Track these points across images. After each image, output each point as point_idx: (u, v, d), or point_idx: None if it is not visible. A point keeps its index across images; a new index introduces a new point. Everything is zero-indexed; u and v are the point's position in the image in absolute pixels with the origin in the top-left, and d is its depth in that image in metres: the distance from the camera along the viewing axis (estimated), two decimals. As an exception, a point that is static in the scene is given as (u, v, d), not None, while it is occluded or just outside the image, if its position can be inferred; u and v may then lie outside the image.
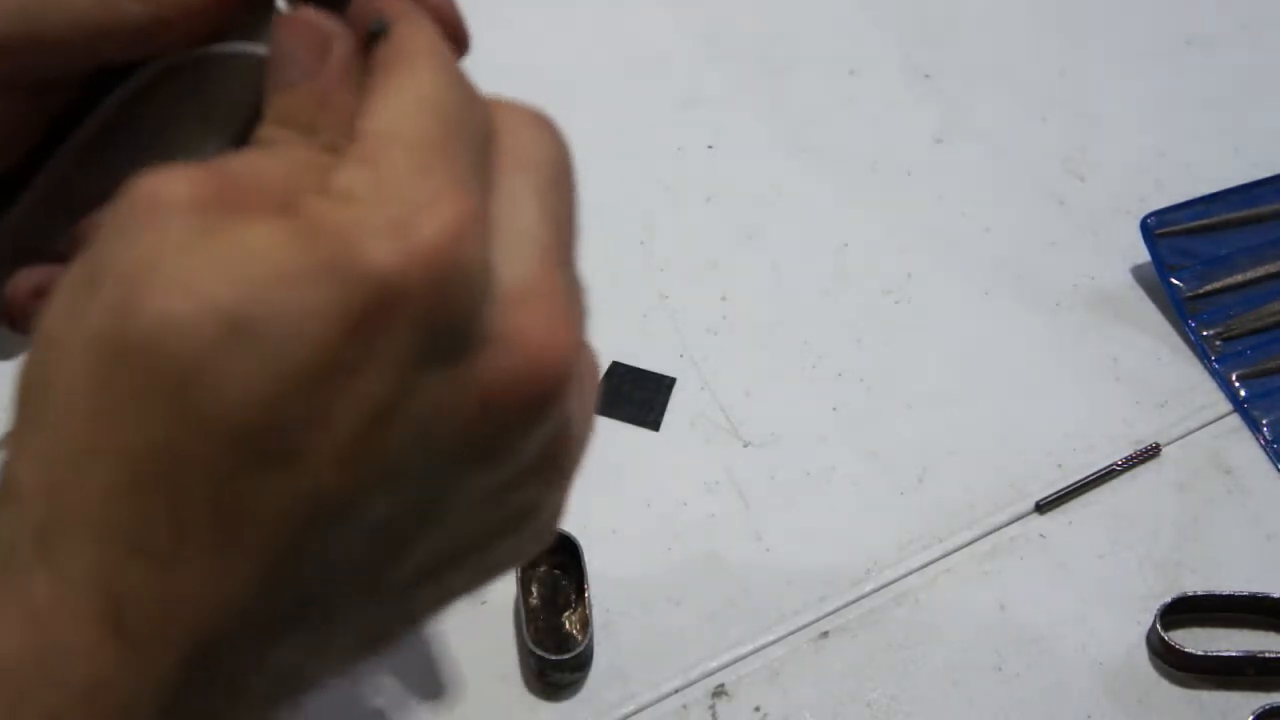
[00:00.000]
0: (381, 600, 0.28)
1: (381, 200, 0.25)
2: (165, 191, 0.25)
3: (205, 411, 0.24)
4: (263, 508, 0.24)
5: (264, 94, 0.29)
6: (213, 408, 0.24)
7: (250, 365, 0.24)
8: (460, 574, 0.29)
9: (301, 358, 0.24)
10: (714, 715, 0.50)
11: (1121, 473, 0.57)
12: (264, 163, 0.27)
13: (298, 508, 0.25)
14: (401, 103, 0.27)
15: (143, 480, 0.24)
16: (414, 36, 0.29)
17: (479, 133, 0.29)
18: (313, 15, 0.29)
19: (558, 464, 0.28)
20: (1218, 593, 0.52)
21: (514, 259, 0.27)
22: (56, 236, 0.35)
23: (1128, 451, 0.58)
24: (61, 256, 0.32)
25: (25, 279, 0.34)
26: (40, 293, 0.34)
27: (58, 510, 0.24)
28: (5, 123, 0.33)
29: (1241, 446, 0.58)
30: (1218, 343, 0.61)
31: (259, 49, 0.33)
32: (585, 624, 0.50)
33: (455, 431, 0.26)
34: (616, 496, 0.56)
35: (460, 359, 0.25)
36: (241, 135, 0.34)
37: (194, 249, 0.24)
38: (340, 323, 0.24)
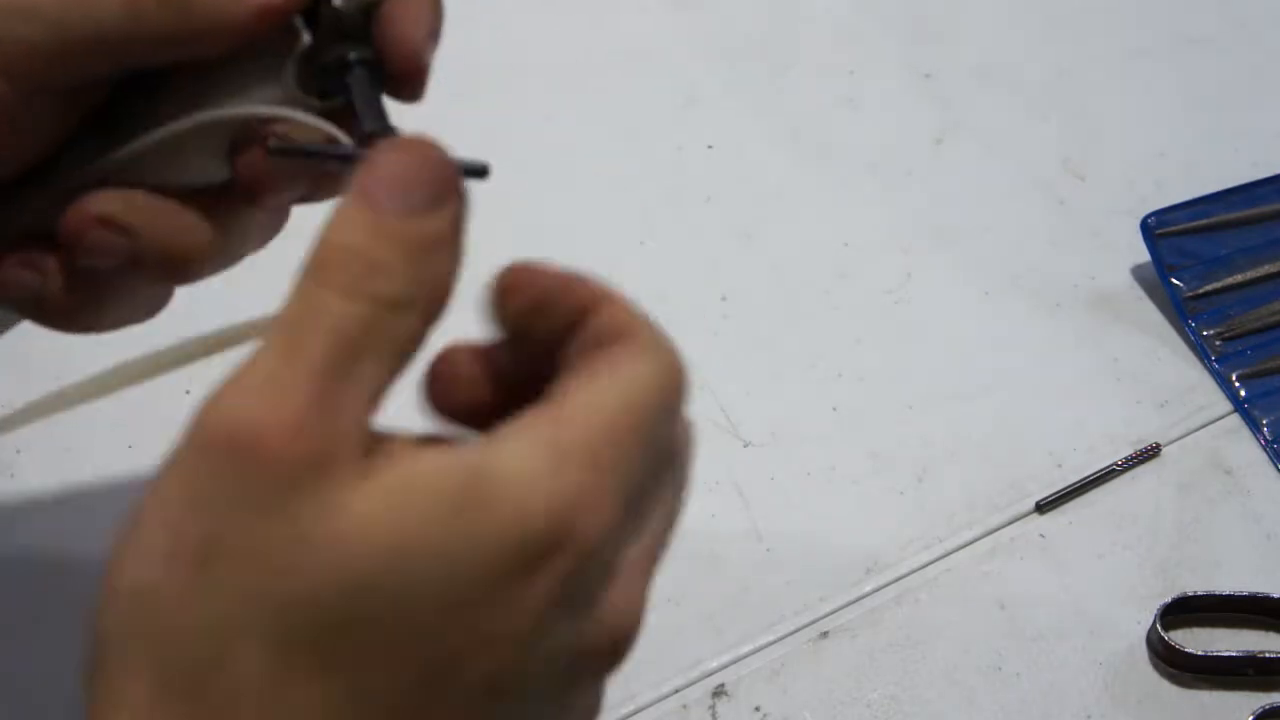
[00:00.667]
0: None
1: (550, 471, 0.26)
2: (272, 447, 0.25)
3: (376, 688, 0.25)
4: None
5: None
6: (384, 685, 0.25)
7: (409, 638, 0.25)
8: None
9: (441, 627, 0.25)
10: (714, 715, 0.50)
11: (1121, 473, 0.57)
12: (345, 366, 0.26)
13: None
14: (607, 389, 0.28)
15: None
16: (649, 330, 0.30)
17: (664, 450, 0.30)
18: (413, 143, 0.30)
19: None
20: (1218, 593, 0.52)
21: (639, 550, 0.30)
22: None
23: (1128, 451, 0.58)
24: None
25: (92, 204, 0.34)
26: (106, 221, 0.34)
27: None
28: (38, 122, 0.34)
29: (1242, 447, 0.58)
30: (1218, 343, 0.61)
31: (322, 125, 0.35)
32: (585, 624, 0.50)
33: (566, 680, 0.28)
34: (616, 496, 0.56)
35: (576, 622, 0.28)
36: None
37: (339, 526, 0.25)
38: (488, 589, 0.25)
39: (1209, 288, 0.63)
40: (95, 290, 0.36)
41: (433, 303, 0.28)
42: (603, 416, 0.27)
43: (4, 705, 0.49)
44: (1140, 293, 0.64)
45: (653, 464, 0.29)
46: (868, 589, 0.54)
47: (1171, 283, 0.63)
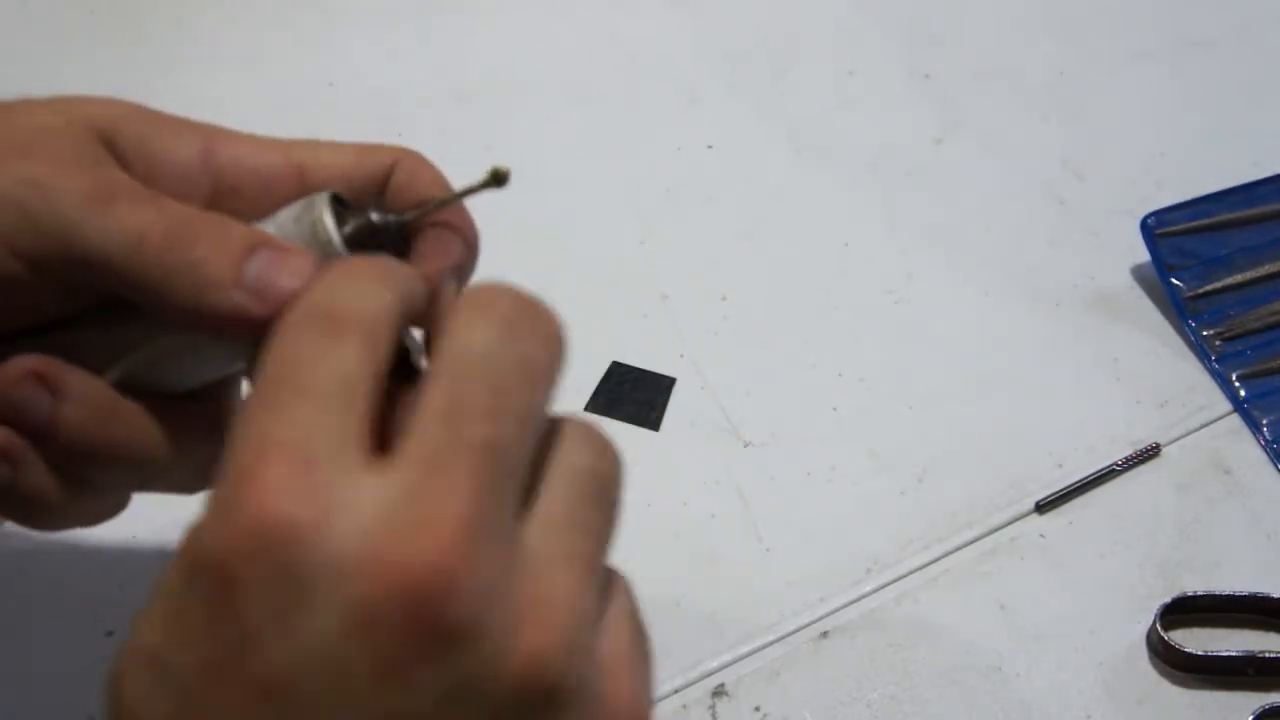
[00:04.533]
0: None
1: (394, 506, 0.26)
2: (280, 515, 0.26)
3: None
4: None
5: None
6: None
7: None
8: None
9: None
10: (714, 715, 0.50)
11: (1121, 473, 0.57)
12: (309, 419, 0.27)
13: None
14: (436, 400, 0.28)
15: None
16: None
17: (529, 436, 0.29)
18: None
19: None
20: (1218, 593, 0.52)
21: (539, 564, 0.27)
22: None
23: (1128, 451, 0.57)
24: None
25: (29, 360, 0.35)
26: (38, 375, 0.34)
27: None
28: (46, 296, 0.34)
29: (1242, 446, 0.58)
30: (1218, 343, 0.61)
31: None
32: (585, 624, 0.50)
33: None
34: (616, 496, 0.56)
35: (473, 665, 0.26)
36: None
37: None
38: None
39: (1209, 287, 0.63)
40: (70, 487, 0.36)
41: None
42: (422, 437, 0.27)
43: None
44: (1140, 293, 0.64)
45: (524, 448, 0.28)
46: (868, 589, 0.54)
47: (1171, 282, 0.63)
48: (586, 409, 0.49)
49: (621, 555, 0.54)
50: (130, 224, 0.33)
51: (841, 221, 0.66)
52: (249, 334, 0.33)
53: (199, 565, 0.26)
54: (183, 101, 0.71)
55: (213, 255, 0.33)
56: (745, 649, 0.52)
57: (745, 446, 0.58)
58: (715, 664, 0.51)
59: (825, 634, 0.52)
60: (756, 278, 0.64)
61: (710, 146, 0.70)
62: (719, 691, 0.51)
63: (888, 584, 0.54)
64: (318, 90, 0.71)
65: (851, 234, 0.66)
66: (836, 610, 0.53)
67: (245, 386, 0.38)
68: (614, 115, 0.71)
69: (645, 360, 0.60)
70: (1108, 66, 0.74)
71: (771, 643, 0.52)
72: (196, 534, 0.27)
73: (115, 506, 0.38)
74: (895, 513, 0.56)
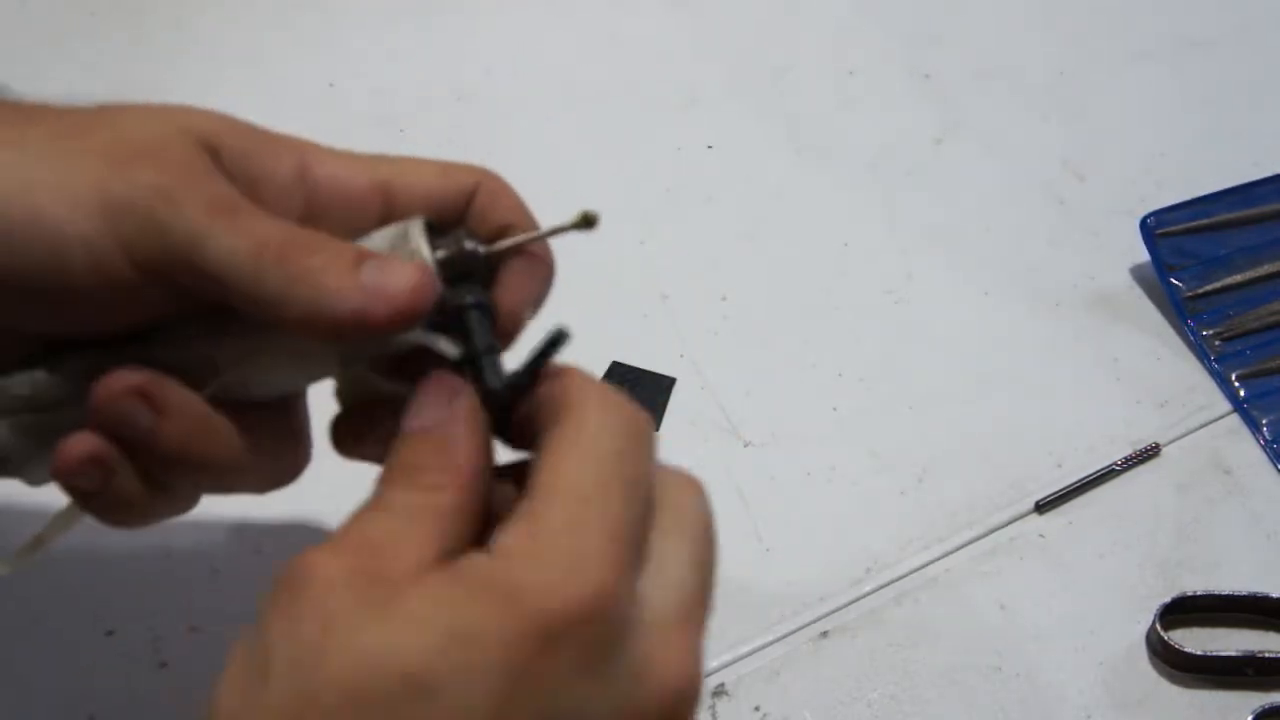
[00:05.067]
0: None
1: (551, 554, 0.30)
2: (319, 571, 0.30)
3: None
4: None
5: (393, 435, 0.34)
6: None
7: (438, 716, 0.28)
8: None
9: (479, 704, 0.28)
10: (714, 715, 0.50)
11: (1121, 473, 0.57)
12: (391, 524, 0.31)
13: None
14: (571, 468, 0.32)
15: None
16: (587, 391, 0.34)
17: (642, 489, 0.33)
18: (446, 375, 0.35)
19: None
20: (1217, 592, 0.52)
21: (666, 604, 0.31)
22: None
23: (1127, 451, 0.58)
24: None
25: (77, 444, 0.36)
26: (95, 460, 0.36)
27: None
28: (149, 299, 0.35)
29: (1241, 446, 0.58)
30: (1217, 343, 0.61)
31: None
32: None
33: None
34: (616, 496, 0.56)
35: (612, 685, 0.30)
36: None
37: (365, 623, 0.28)
38: (509, 670, 0.28)
39: (1208, 287, 0.63)
40: (153, 490, 0.38)
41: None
42: (569, 486, 0.31)
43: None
44: (1140, 293, 0.64)
45: (636, 505, 0.32)
46: (868, 589, 0.54)
47: (1171, 283, 0.63)
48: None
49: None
50: (252, 235, 0.34)
51: (841, 221, 0.66)
52: (365, 336, 0.35)
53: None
54: (182, 101, 0.71)
55: (329, 264, 0.34)
56: (745, 649, 0.52)
57: (745, 446, 0.58)
58: (715, 664, 0.51)
59: (825, 634, 0.52)
60: (756, 278, 0.64)
61: (710, 146, 0.70)
62: (719, 691, 0.51)
63: (888, 584, 0.54)
64: (318, 90, 0.71)
65: (851, 234, 0.66)
66: (836, 610, 0.53)
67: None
68: (614, 115, 0.71)
69: (645, 360, 0.60)
70: (1108, 66, 0.74)
71: (771, 643, 0.52)
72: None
73: (187, 506, 0.40)
74: (895, 513, 0.56)
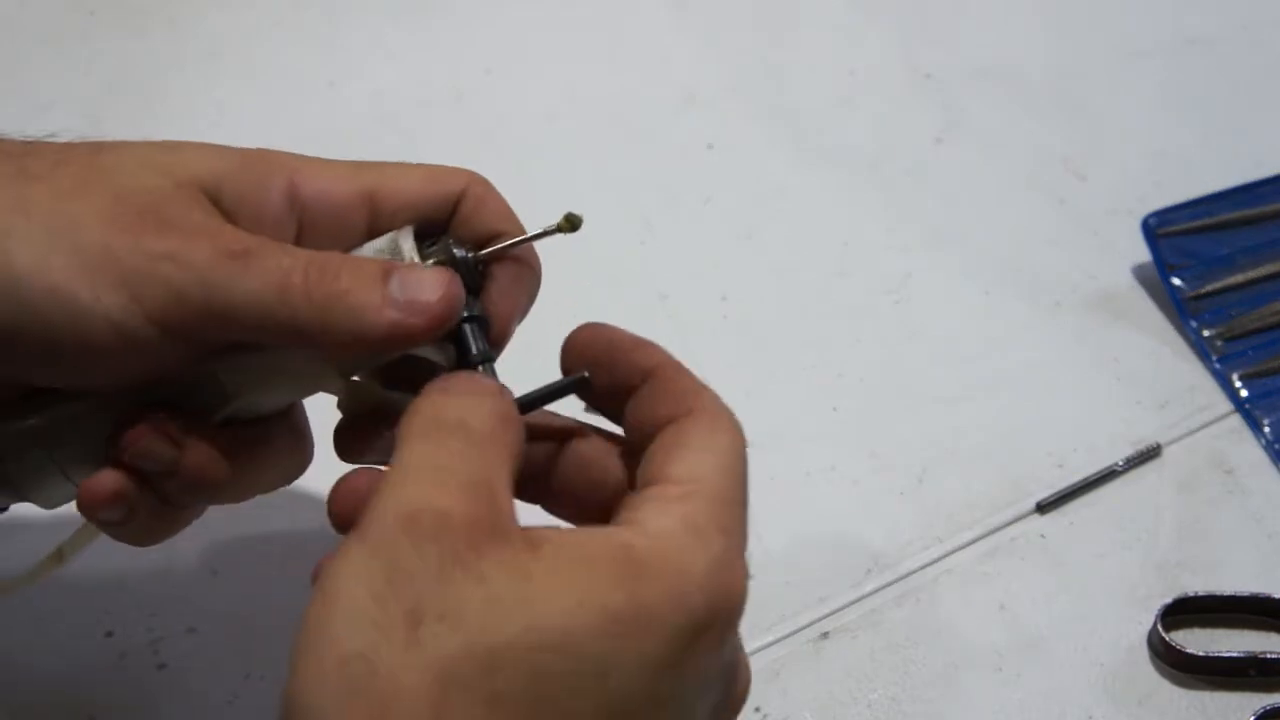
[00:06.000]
0: None
1: (698, 551, 0.31)
2: (454, 519, 0.30)
3: None
4: None
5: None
6: None
7: (609, 701, 0.29)
8: None
9: (638, 687, 0.29)
10: (714, 716, 0.50)
11: (1122, 473, 0.57)
12: (481, 474, 0.32)
13: None
14: (706, 460, 0.34)
15: None
16: (717, 400, 0.36)
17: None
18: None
19: None
20: (1219, 593, 0.52)
21: None
22: None
23: (1128, 452, 0.57)
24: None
25: (100, 483, 0.37)
26: (119, 497, 0.37)
27: None
28: (163, 353, 0.36)
29: (1243, 447, 0.58)
30: (1219, 343, 0.61)
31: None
32: (585, 624, 0.50)
33: None
34: (616, 497, 0.56)
35: (730, 674, 0.33)
36: None
37: (526, 588, 0.29)
38: (668, 657, 0.30)
39: (1210, 287, 0.63)
40: (170, 512, 0.39)
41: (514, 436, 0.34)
42: (715, 487, 0.33)
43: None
44: (1141, 292, 0.64)
45: (745, 524, 0.34)
46: (868, 589, 0.54)
47: (1172, 282, 0.63)
48: (587, 409, 0.49)
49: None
50: (271, 273, 0.35)
51: (841, 221, 0.66)
52: (406, 347, 0.36)
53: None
54: (183, 101, 0.71)
55: (356, 285, 0.35)
56: (745, 649, 0.52)
57: (745, 447, 0.58)
58: (715, 664, 0.51)
59: (825, 634, 0.52)
60: (756, 278, 0.64)
61: (710, 146, 0.70)
62: (719, 692, 0.51)
63: (888, 584, 0.54)
64: (318, 90, 0.71)
65: (851, 234, 0.66)
66: (836, 610, 0.53)
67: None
68: (613, 115, 0.71)
69: (645, 360, 0.60)
70: (1108, 66, 0.74)
71: (772, 643, 0.52)
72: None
73: (194, 519, 0.41)
74: (895, 513, 0.56)
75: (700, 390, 0.36)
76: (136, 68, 0.72)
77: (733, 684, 0.34)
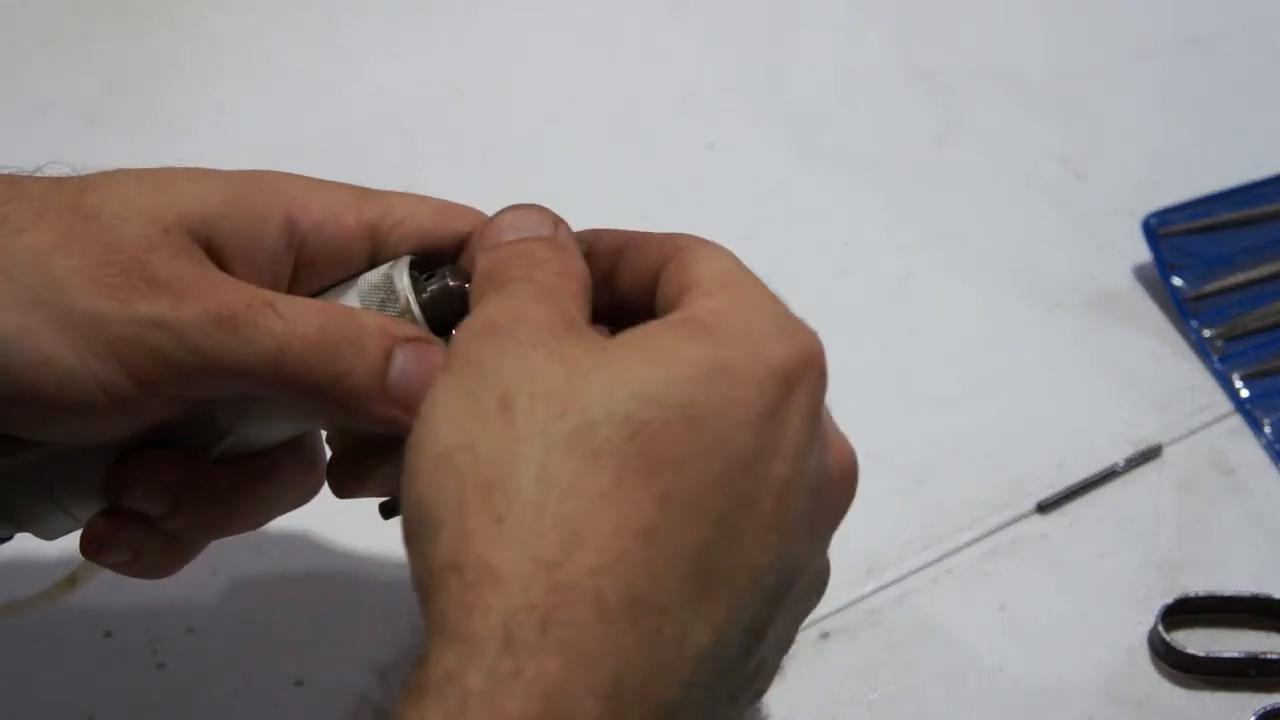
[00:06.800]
0: (735, 693, 0.33)
1: (759, 312, 0.33)
2: (529, 316, 0.32)
3: (685, 489, 0.29)
4: (725, 571, 0.30)
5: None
6: (691, 486, 0.29)
7: (709, 448, 0.30)
8: (763, 674, 0.35)
9: (739, 437, 0.30)
10: (714, 716, 0.50)
11: (1123, 473, 0.57)
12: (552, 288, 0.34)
13: (747, 570, 0.30)
14: (720, 264, 0.35)
15: (631, 554, 0.28)
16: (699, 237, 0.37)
17: None
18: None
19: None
20: (1219, 593, 0.52)
21: None
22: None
23: (1129, 452, 0.57)
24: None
25: (101, 528, 0.38)
26: (121, 543, 0.37)
27: (557, 593, 0.28)
28: (149, 410, 0.35)
29: (1243, 447, 0.58)
30: (1219, 343, 0.61)
31: None
32: (585, 624, 0.50)
33: (819, 503, 0.33)
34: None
35: (821, 441, 0.33)
36: None
37: (606, 357, 0.31)
38: (762, 406, 0.31)
39: (1211, 287, 0.62)
40: (177, 546, 0.39)
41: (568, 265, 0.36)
42: (745, 275, 0.35)
43: None
44: (1141, 292, 0.64)
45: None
46: (868, 589, 0.53)
47: (1173, 282, 0.63)
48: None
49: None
50: (264, 342, 0.34)
51: (841, 221, 0.66)
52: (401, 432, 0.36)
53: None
54: (183, 101, 0.71)
55: (356, 365, 0.35)
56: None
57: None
58: (715, 664, 0.51)
59: (825, 634, 0.52)
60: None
61: (710, 146, 0.70)
62: (719, 692, 0.51)
63: (888, 584, 0.54)
64: (318, 90, 0.71)
65: (851, 234, 0.66)
66: (837, 610, 0.53)
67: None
68: (613, 115, 0.71)
69: (645, 360, 0.60)
70: (1108, 66, 0.74)
71: (772, 643, 0.52)
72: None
73: (199, 552, 0.40)
74: (895, 513, 0.56)
75: (679, 235, 0.37)
76: (136, 68, 0.72)
77: (826, 456, 0.34)
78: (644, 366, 0.30)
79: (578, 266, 0.35)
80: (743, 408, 0.30)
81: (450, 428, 0.30)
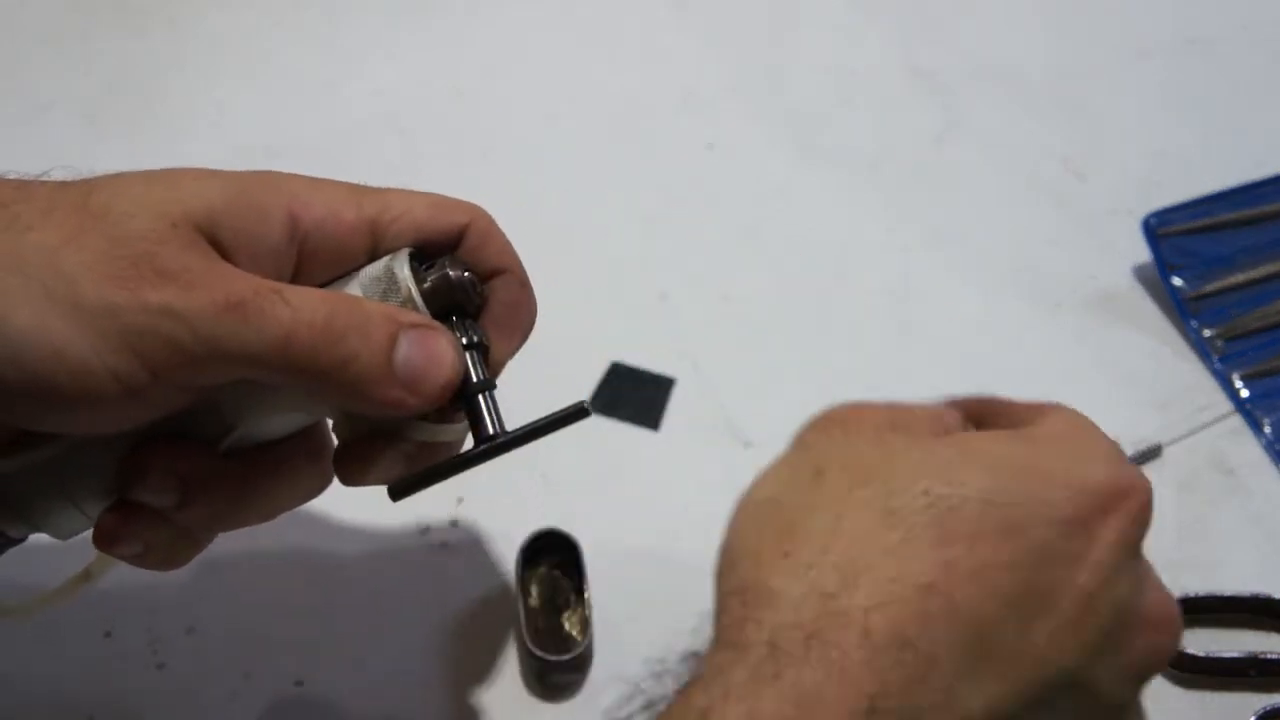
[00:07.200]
0: None
1: (1092, 441, 0.36)
2: (867, 415, 0.38)
3: (973, 562, 0.31)
4: (1010, 651, 0.31)
5: None
6: (980, 562, 0.31)
7: (1007, 532, 0.31)
8: None
9: (1041, 535, 0.32)
10: (714, 716, 0.50)
11: (1122, 473, 0.57)
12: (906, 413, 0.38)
13: (1034, 658, 0.31)
14: (1070, 412, 0.38)
15: (907, 600, 0.30)
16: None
17: None
18: None
19: None
20: (1219, 593, 0.52)
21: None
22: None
23: (1129, 452, 0.57)
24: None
25: (112, 522, 0.38)
26: (132, 536, 0.38)
27: (826, 618, 0.30)
28: (161, 399, 0.36)
29: (1243, 447, 0.58)
30: (1219, 343, 0.61)
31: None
32: (585, 625, 0.50)
33: (1128, 635, 0.33)
34: (616, 496, 0.56)
35: (1131, 574, 0.34)
36: None
37: (933, 451, 0.34)
38: (1071, 512, 0.32)
39: (1211, 287, 0.63)
40: (188, 538, 0.40)
41: None
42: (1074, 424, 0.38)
43: None
44: (1141, 292, 0.64)
45: None
46: (868, 589, 0.53)
47: (1173, 282, 0.63)
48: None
49: (620, 558, 0.54)
50: (272, 328, 0.35)
51: (841, 221, 0.66)
52: (403, 416, 0.37)
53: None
54: (183, 101, 0.71)
55: (362, 349, 0.35)
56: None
57: (746, 447, 0.58)
58: (715, 665, 0.51)
59: (826, 634, 0.52)
60: (757, 277, 0.64)
61: (710, 146, 0.70)
62: (719, 692, 0.51)
63: (888, 584, 0.54)
64: (318, 90, 0.71)
65: (851, 234, 0.66)
66: (837, 611, 0.53)
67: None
68: (613, 115, 0.71)
69: (645, 360, 0.60)
70: (1108, 66, 0.74)
71: (772, 643, 0.52)
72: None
73: (208, 544, 0.41)
74: (896, 513, 0.56)
75: (1046, 402, 0.40)
76: (136, 68, 0.72)
77: (1143, 592, 0.34)
78: (957, 455, 0.33)
79: (945, 412, 0.39)
80: (1049, 507, 0.32)
81: (768, 487, 0.35)
